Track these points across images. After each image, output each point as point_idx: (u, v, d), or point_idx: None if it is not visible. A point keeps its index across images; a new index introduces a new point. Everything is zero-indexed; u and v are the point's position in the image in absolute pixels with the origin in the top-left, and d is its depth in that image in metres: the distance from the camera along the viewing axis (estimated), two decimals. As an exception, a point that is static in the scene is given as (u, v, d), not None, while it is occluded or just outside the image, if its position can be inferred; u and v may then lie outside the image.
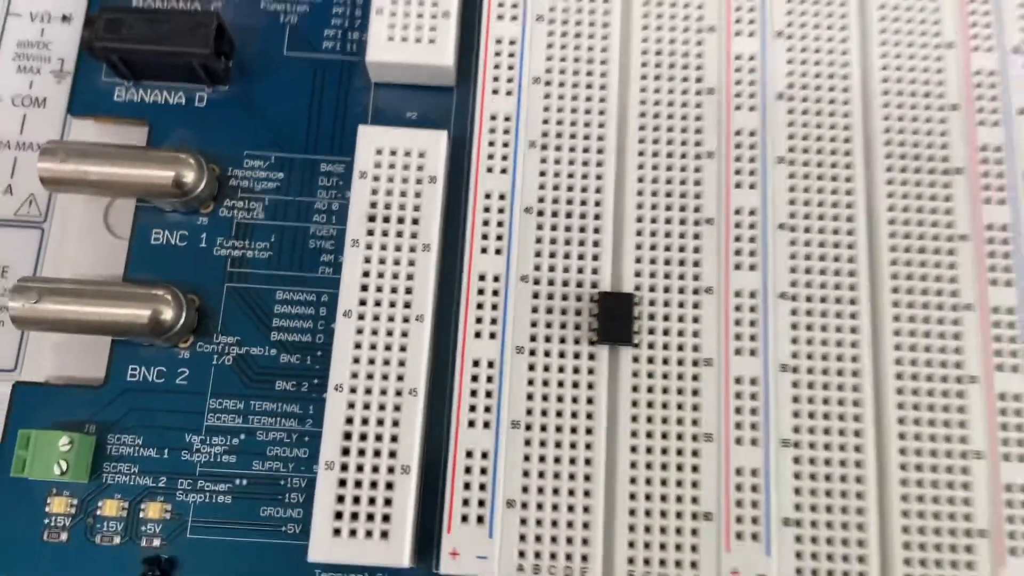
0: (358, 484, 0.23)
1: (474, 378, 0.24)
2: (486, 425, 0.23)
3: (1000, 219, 0.25)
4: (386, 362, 0.24)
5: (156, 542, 0.24)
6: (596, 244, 0.25)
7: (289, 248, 0.26)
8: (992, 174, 0.25)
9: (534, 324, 0.24)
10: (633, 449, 0.23)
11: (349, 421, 0.23)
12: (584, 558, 0.22)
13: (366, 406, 0.23)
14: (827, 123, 0.26)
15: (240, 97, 0.27)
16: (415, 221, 0.25)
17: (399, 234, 0.25)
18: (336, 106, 0.27)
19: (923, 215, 0.25)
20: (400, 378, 0.23)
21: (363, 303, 0.24)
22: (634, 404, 0.24)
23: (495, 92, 0.26)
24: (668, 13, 0.26)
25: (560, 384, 0.24)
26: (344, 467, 0.23)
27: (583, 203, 0.25)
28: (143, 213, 0.26)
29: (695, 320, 0.24)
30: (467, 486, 0.23)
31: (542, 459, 0.23)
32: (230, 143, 0.27)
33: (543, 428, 0.23)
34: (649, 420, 0.23)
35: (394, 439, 0.23)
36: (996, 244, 0.25)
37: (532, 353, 0.24)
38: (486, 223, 0.25)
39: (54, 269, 0.26)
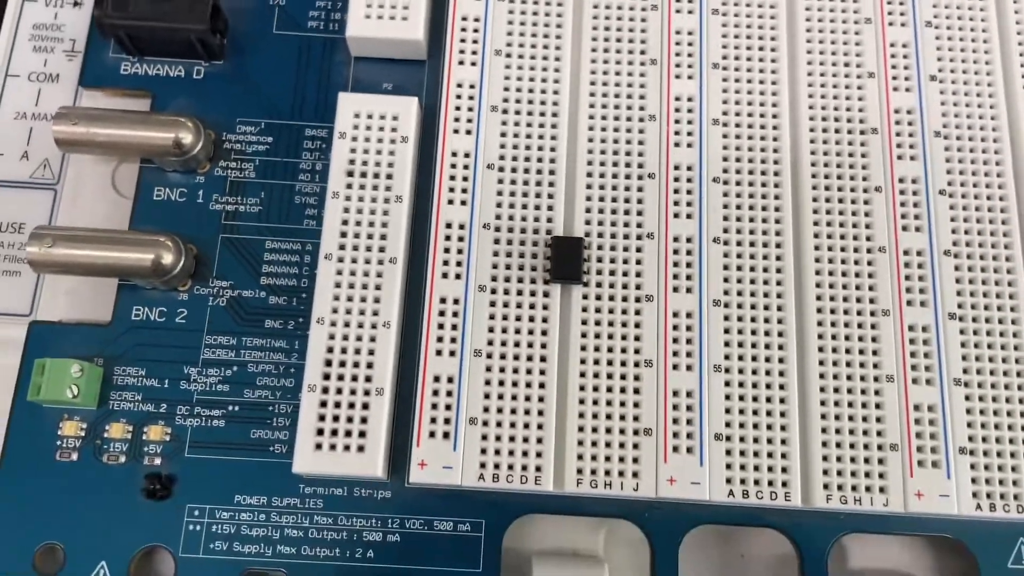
0: (337, 405, 0.25)
1: (441, 313, 0.27)
2: (452, 354, 0.26)
3: (911, 173, 0.28)
4: (363, 299, 0.26)
5: (157, 461, 0.26)
6: (550, 196, 0.28)
7: (277, 203, 0.29)
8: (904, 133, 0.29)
9: (495, 266, 0.27)
10: (582, 374, 0.26)
11: (330, 350, 0.26)
12: (538, 468, 0.25)
13: (345, 337, 0.26)
14: (757, 90, 0.29)
15: (233, 70, 0.30)
16: (389, 176, 0.28)
17: (375, 187, 0.27)
18: (319, 78, 0.30)
19: (843, 169, 0.28)
20: (375, 313, 0.26)
21: (342, 248, 0.27)
22: (583, 335, 0.26)
23: (461, 63, 0.29)
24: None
25: (518, 318, 0.27)
26: (325, 390, 0.26)
27: (539, 160, 0.28)
28: (146, 173, 0.29)
29: (638, 262, 0.27)
30: (434, 407, 0.26)
31: (501, 383, 0.26)
32: (225, 111, 0.30)
33: (502, 356, 0.26)
34: (596, 349, 0.26)
35: (370, 366, 0.26)
36: (908, 195, 0.28)
37: (493, 291, 0.27)
38: (452, 178, 0.28)
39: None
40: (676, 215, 0.28)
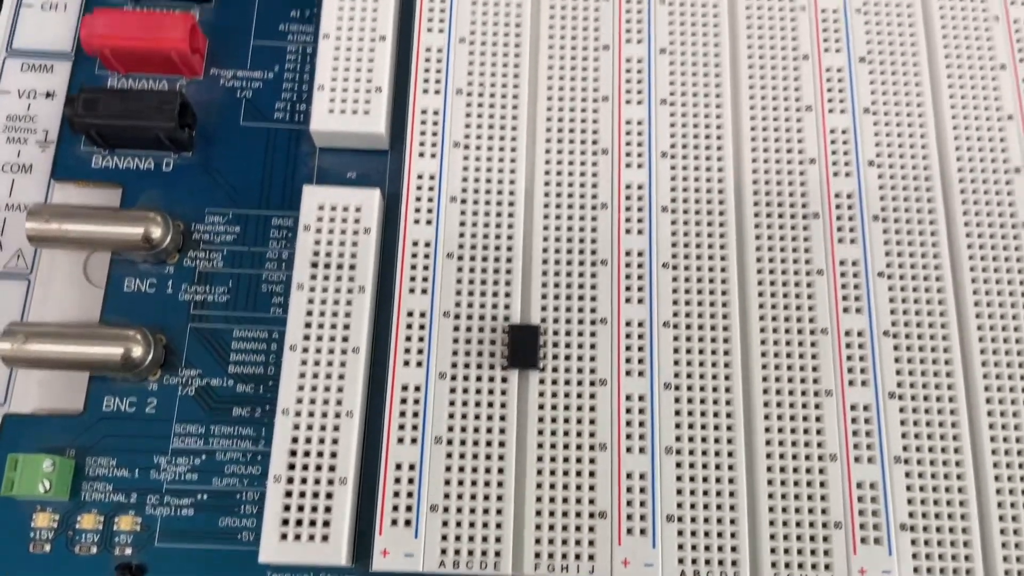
0: (302, 495, 0.26)
1: (403, 400, 0.28)
2: (413, 441, 0.27)
3: (851, 256, 0.29)
4: (327, 388, 0.27)
5: (128, 551, 0.27)
6: (508, 283, 0.29)
7: (244, 292, 0.30)
8: (844, 217, 0.30)
9: (455, 353, 0.28)
10: (539, 459, 0.27)
11: (294, 440, 0.27)
12: (497, 553, 0.26)
13: (309, 427, 0.27)
14: (704, 178, 0.30)
15: (202, 162, 0.31)
16: (352, 267, 0.29)
17: (338, 278, 0.29)
18: (285, 168, 0.31)
19: (786, 254, 0.29)
20: (339, 402, 0.27)
21: (307, 338, 0.28)
22: (540, 420, 0.27)
23: (421, 155, 0.30)
24: (568, 86, 0.31)
25: (477, 404, 0.28)
26: (290, 480, 0.26)
27: (497, 248, 0.29)
28: (117, 264, 0.30)
29: (592, 347, 0.28)
30: (396, 494, 0.27)
31: (461, 469, 0.27)
32: (193, 201, 0.31)
33: (462, 443, 0.27)
34: (553, 433, 0.27)
35: (333, 455, 0.27)
36: (848, 277, 0.29)
37: (453, 378, 0.28)
38: (413, 267, 0.29)
39: (39, 315, 0.30)
40: (628, 300, 0.29)
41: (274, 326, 0.29)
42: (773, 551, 0.27)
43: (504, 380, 0.28)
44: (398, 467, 0.27)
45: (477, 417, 0.27)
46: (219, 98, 0.32)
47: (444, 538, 0.26)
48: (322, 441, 0.27)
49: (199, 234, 0.30)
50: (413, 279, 0.29)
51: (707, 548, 0.26)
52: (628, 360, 0.28)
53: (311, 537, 0.26)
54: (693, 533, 0.27)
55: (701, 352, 0.28)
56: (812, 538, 0.27)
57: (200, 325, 0.29)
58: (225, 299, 0.30)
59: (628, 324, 0.28)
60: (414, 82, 0.31)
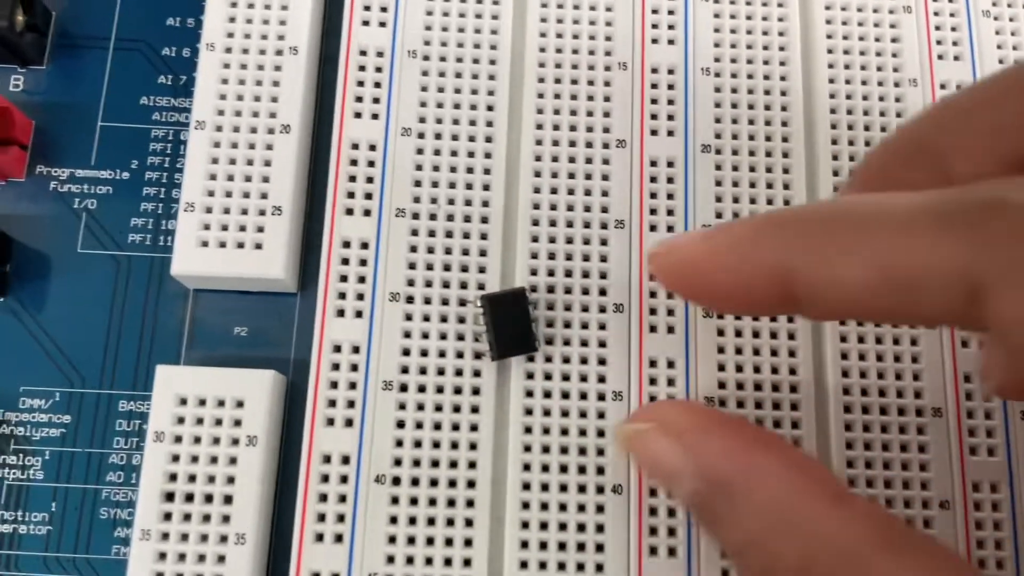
0: None
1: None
2: None
3: None
4: None
5: None
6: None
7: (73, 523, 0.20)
8: None
9: None
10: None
11: None
12: None
13: None
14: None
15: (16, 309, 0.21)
16: (227, 500, 0.19)
17: (206, 518, 0.19)
18: (143, 317, 0.21)
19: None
20: None
21: (156, 617, 0.18)
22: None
23: (340, 314, 0.20)
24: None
25: None
26: None
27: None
28: None
29: None
30: None
31: None
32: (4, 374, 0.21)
33: None
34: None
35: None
36: None
37: None
38: (323, 498, 0.19)
39: None
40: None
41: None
42: None
43: None
44: None
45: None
46: (47, 212, 0.22)
47: None
48: None
49: (8, 426, 0.20)
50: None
51: None
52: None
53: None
54: None
55: None
56: None
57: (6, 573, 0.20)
58: (45, 531, 0.20)
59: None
60: (332, 200, 0.21)
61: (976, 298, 0.12)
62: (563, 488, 0.19)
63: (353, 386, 0.19)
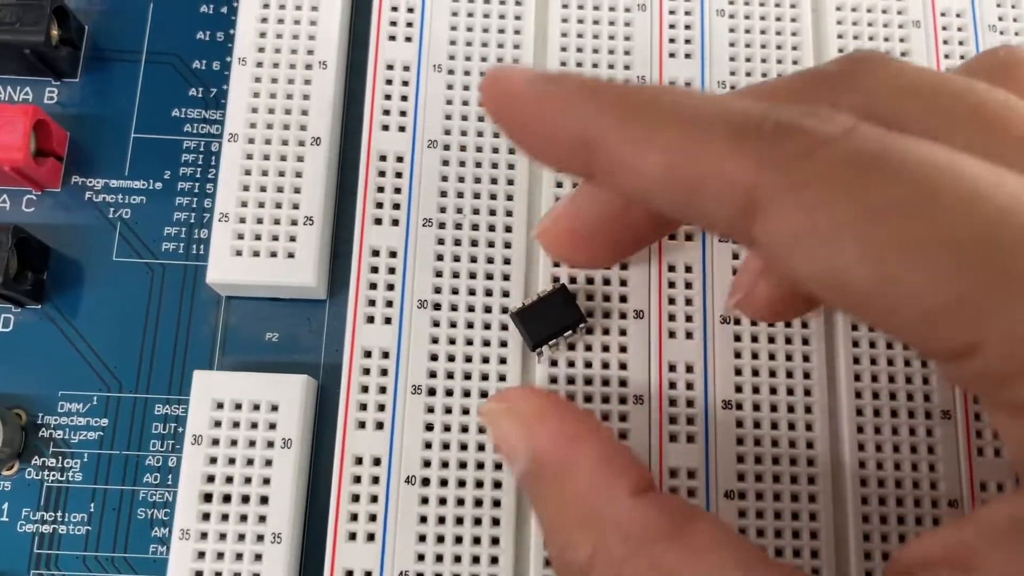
0: None
1: None
2: None
3: None
4: None
5: None
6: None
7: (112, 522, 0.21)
8: None
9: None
10: None
11: None
12: None
13: None
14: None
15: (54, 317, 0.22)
16: (263, 500, 0.19)
17: (243, 518, 0.19)
18: (177, 324, 0.22)
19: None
20: None
21: (195, 609, 0.19)
22: None
23: (370, 320, 0.21)
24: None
25: None
26: None
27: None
28: (-71, 475, 0.21)
29: None
30: None
31: None
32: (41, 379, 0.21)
33: None
34: None
35: None
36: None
37: None
38: (355, 498, 0.20)
39: None
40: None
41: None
42: None
43: None
44: None
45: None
46: (83, 221, 0.23)
47: None
48: None
49: (48, 430, 0.21)
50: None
51: None
52: None
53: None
54: None
55: None
56: None
57: (46, 573, 0.20)
58: (83, 532, 0.21)
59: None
60: (362, 209, 0.21)
61: (748, 212, 0.13)
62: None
63: (383, 390, 0.20)
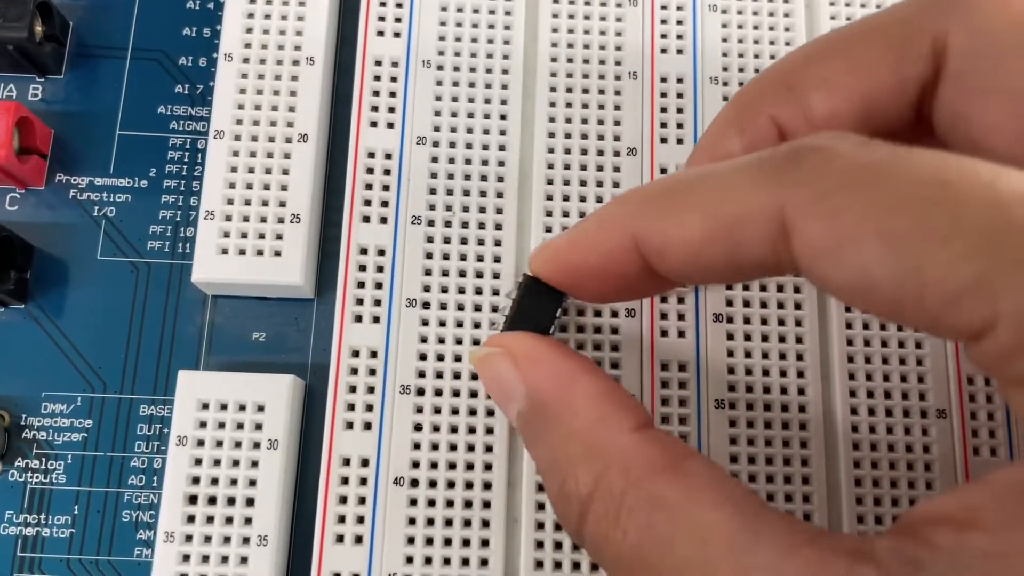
0: None
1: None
2: None
3: None
4: None
5: None
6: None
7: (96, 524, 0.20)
8: None
9: None
10: None
11: None
12: None
13: None
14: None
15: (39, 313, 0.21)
16: (249, 502, 0.19)
17: (228, 520, 0.19)
18: (163, 323, 0.21)
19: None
20: None
21: (179, 616, 0.18)
22: None
23: (358, 319, 0.20)
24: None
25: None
26: None
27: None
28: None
29: None
30: None
31: None
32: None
33: None
34: None
35: None
36: None
37: None
38: (343, 500, 0.19)
39: None
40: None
41: None
42: None
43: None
44: None
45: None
46: (67, 220, 0.22)
47: None
48: None
49: (31, 431, 0.21)
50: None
51: None
52: None
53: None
54: None
55: None
56: None
57: (29, 576, 0.20)
58: (67, 534, 0.20)
59: None
60: (349, 208, 0.21)
61: (784, 236, 0.14)
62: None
63: (371, 390, 0.20)
